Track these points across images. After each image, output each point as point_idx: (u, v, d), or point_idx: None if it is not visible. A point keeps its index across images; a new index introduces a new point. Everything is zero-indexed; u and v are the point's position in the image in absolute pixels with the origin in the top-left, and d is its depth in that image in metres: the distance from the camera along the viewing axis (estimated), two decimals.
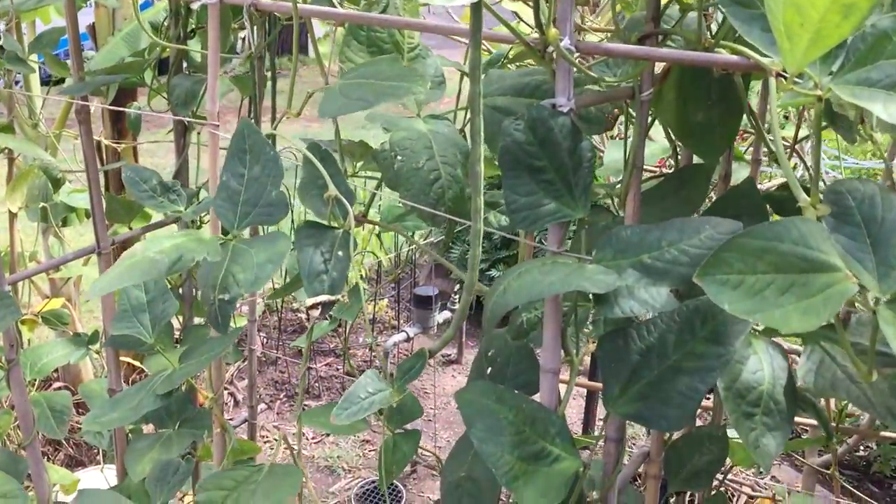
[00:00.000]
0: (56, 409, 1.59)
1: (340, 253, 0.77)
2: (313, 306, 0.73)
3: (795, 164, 1.61)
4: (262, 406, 3.04)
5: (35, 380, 1.86)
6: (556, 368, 0.83)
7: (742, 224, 0.74)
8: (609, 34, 1.30)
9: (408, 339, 3.07)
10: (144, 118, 1.97)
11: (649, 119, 1.00)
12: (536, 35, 0.78)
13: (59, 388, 2.71)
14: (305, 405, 3.02)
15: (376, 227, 1.05)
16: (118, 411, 0.87)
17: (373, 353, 3.27)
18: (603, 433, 0.90)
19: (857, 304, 0.59)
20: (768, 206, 0.95)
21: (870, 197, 0.62)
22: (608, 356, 0.80)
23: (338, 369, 3.20)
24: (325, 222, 0.81)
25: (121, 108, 1.75)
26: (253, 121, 1.25)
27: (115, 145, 1.68)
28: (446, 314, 3.20)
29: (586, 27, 1.34)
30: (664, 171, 1.79)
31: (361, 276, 3.53)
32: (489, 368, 0.99)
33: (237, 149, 0.79)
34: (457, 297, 3.29)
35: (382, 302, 3.53)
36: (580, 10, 1.00)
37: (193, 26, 1.49)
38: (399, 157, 0.89)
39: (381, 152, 0.90)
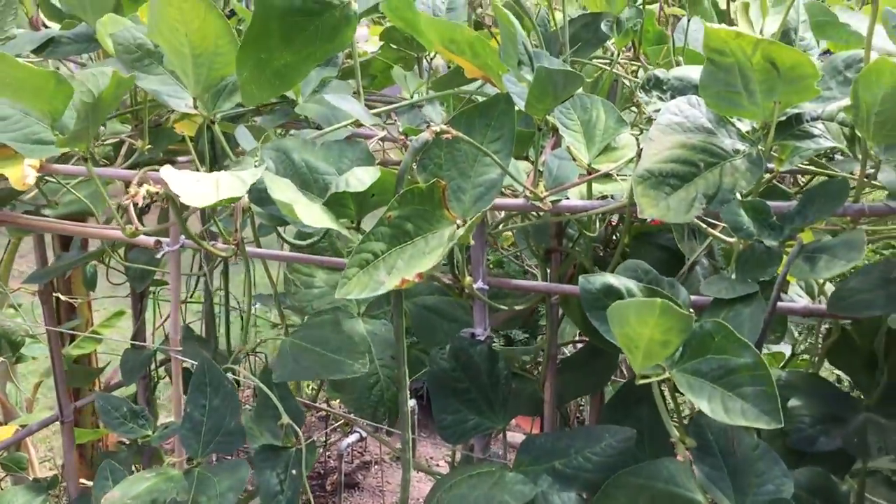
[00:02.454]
0: None
1: (294, 471, 0.88)
2: None
3: None
4: None
5: None
6: None
7: (636, 431, 0.88)
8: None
9: (361, 439, 3.15)
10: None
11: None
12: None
13: None
14: None
15: None
16: None
17: (327, 453, 3.32)
18: None
19: None
20: None
21: (723, 431, 0.77)
22: None
23: None
24: (279, 443, 0.92)
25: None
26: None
27: (70, 300, 1.77)
28: None
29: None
30: None
31: None
32: None
33: (199, 382, 0.90)
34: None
35: (336, 401, 3.60)
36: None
37: None
38: None
39: None
